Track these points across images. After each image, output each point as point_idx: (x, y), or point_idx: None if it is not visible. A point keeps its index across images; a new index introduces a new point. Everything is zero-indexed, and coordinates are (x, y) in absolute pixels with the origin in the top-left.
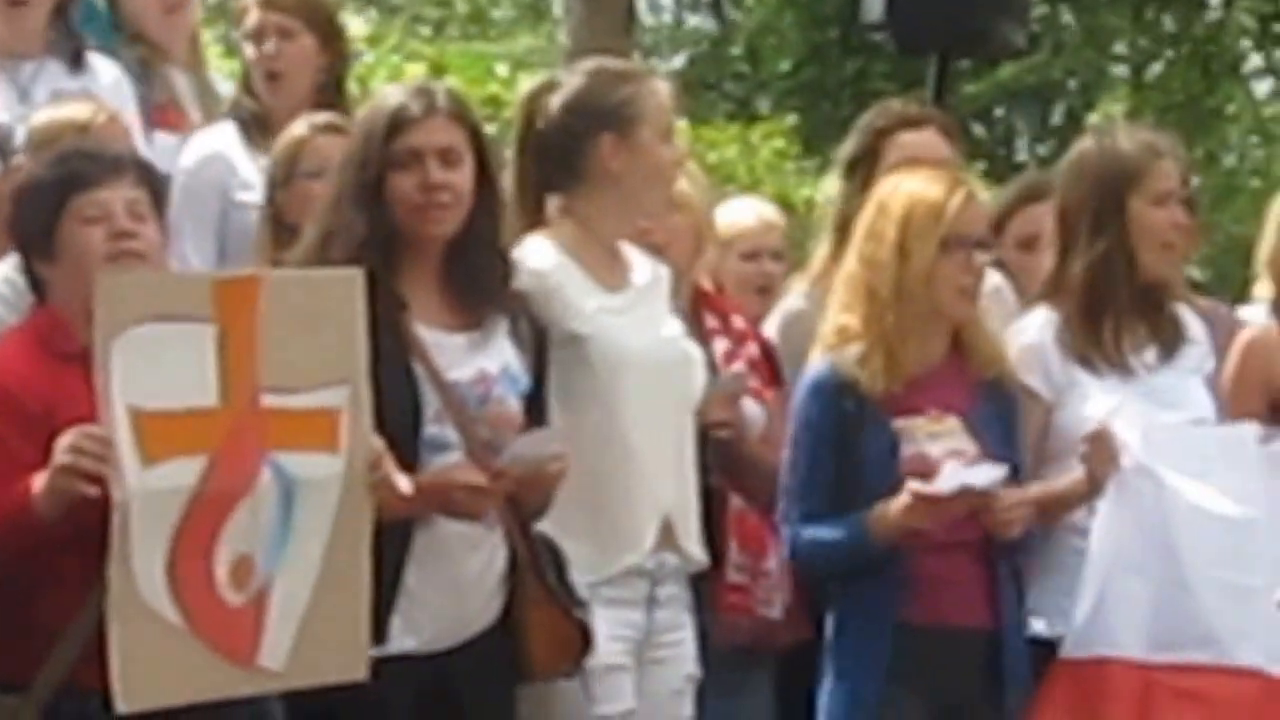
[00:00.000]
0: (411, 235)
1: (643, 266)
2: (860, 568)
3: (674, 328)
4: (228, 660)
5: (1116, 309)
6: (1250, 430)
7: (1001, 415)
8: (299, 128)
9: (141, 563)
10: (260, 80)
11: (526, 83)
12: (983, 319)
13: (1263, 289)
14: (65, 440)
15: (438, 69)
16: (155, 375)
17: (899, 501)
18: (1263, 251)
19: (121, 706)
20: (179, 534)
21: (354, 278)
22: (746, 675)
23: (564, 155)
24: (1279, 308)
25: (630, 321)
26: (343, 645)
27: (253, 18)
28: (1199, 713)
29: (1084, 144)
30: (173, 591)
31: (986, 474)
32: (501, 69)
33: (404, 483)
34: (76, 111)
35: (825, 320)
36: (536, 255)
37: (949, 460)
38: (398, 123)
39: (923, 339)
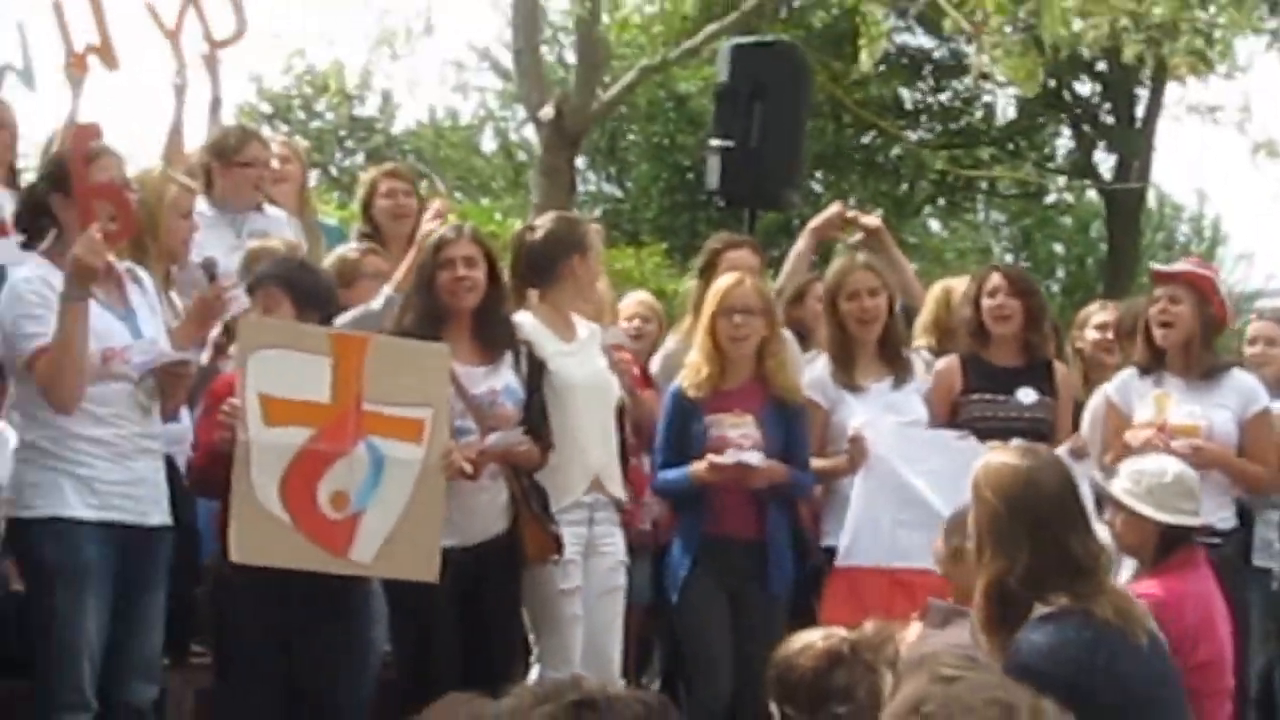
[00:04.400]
0: (451, 307)
1: (585, 327)
2: (687, 498)
3: (602, 363)
4: (325, 550)
5: (859, 356)
6: (950, 433)
7: (783, 421)
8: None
9: (259, 479)
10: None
11: (513, 226)
12: (783, 359)
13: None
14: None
15: (463, 216)
16: (281, 378)
17: (702, 464)
18: (920, 320)
19: (234, 557)
20: (289, 468)
21: (444, 350)
22: (635, 561)
23: (547, 265)
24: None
25: (576, 360)
26: (419, 557)
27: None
28: (909, 594)
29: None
30: (282, 501)
31: (751, 456)
32: (498, 216)
33: (466, 466)
34: (277, 243)
35: (688, 358)
36: (521, 320)
37: (734, 445)
38: (440, 245)
39: (728, 370)
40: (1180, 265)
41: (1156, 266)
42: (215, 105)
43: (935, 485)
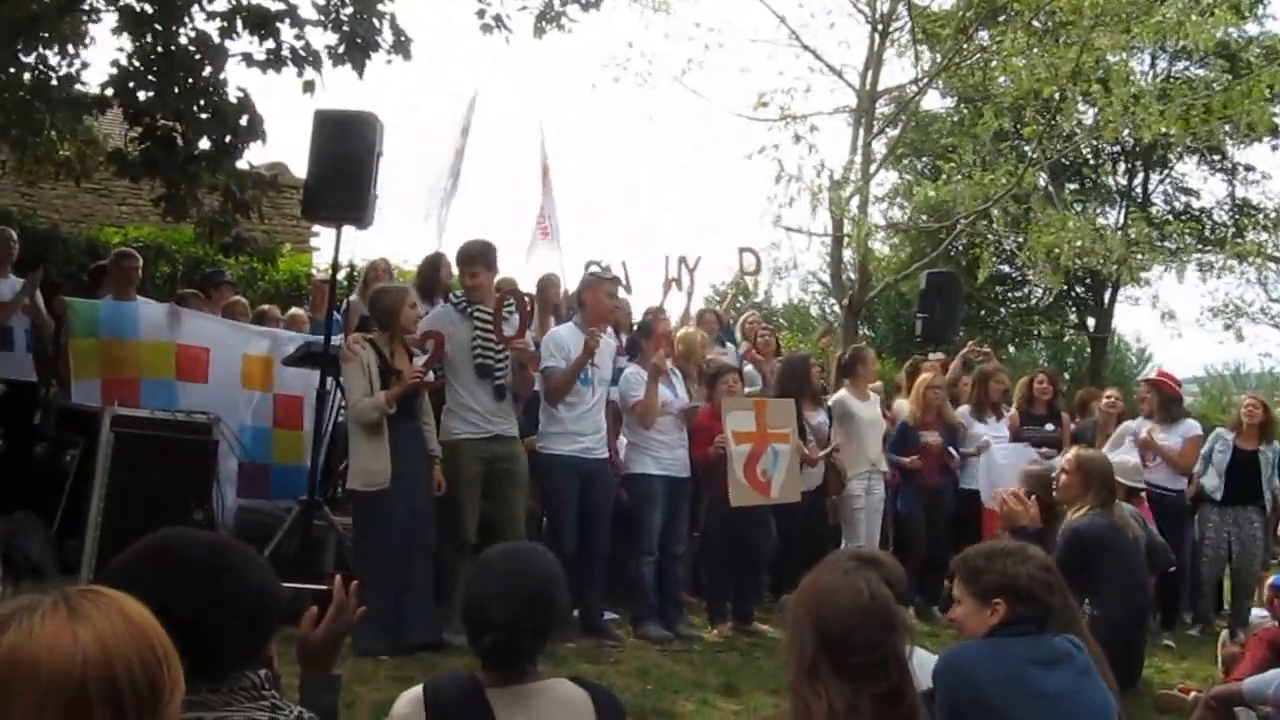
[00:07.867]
0: (814, 388)
1: (873, 395)
2: (912, 469)
3: (878, 411)
4: (761, 494)
5: (985, 406)
6: (1020, 445)
7: (949, 436)
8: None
9: (735, 468)
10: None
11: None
12: (948, 410)
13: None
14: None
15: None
16: (739, 422)
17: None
18: (1015, 395)
19: (733, 503)
20: (746, 462)
21: (792, 402)
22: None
23: (849, 369)
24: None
25: (867, 409)
26: (793, 492)
27: None
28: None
29: None
30: (746, 475)
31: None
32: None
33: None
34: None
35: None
36: (841, 393)
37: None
38: (807, 364)
39: (926, 414)
40: (1153, 375)
41: (1144, 377)
42: (689, 305)
43: (1012, 463)
